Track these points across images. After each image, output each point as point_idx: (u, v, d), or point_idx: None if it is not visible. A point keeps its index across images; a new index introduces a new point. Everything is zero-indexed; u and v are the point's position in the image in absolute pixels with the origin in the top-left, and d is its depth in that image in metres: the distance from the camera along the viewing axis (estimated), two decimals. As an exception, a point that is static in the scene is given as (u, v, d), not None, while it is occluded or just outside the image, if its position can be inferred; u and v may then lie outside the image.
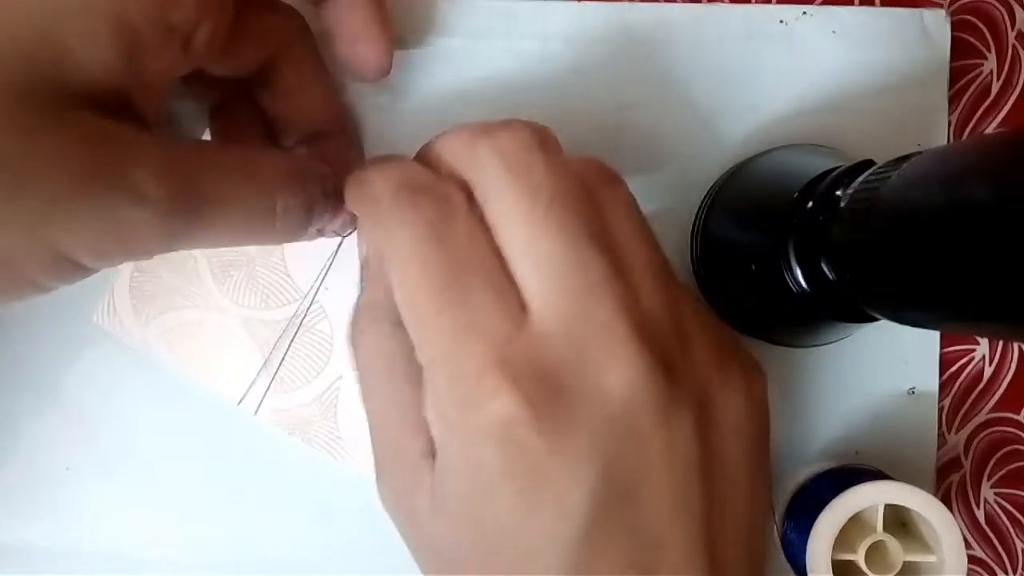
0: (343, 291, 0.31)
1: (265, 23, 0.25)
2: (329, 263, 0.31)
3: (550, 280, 0.21)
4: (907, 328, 0.22)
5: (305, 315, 0.31)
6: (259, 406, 0.31)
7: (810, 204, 0.24)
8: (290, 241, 0.26)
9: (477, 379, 0.21)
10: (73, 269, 0.21)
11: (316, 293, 0.31)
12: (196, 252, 0.31)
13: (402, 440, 0.23)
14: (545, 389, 0.21)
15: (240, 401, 0.31)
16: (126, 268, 0.31)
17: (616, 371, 0.21)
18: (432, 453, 0.23)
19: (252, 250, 0.31)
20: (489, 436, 0.21)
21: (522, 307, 0.21)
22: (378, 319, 0.25)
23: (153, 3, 0.21)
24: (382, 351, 0.24)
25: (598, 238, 0.22)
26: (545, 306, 0.21)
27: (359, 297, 0.26)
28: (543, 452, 0.20)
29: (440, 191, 0.23)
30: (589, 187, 0.23)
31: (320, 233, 0.28)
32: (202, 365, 0.31)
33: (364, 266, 0.26)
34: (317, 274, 0.31)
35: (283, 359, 0.31)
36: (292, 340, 0.31)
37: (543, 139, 0.23)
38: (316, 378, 0.31)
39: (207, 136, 0.29)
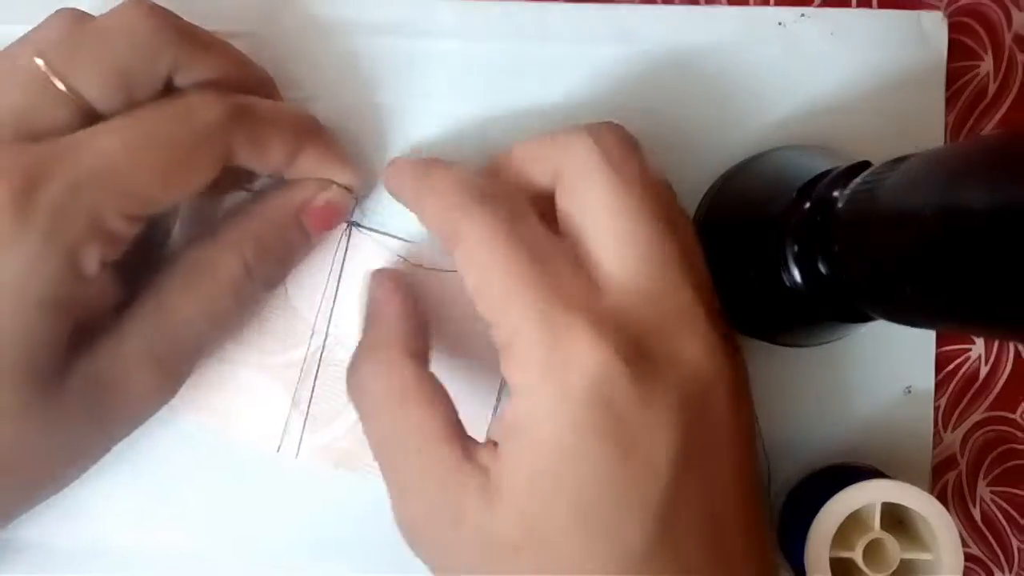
0: (353, 314, 0.31)
1: None
2: (335, 290, 0.30)
3: (638, 258, 0.23)
4: (903, 327, 0.22)
5: (323, 349, 0.30)
6: (298, 448, 0.31)
7: (807, 205, 0.24)
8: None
9: (573, 338, 0.22)
10: None
11: (328, 326, 0.30)
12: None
13: (438, 452, 0.24)
14: (634, 348, 0.22)
15: (279, 448, 0.31)
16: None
17: (694, 345, 0.23)
18: (471, 457, 0.24)
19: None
20: (585, 392, 0.22)
21: (597, 281, 0.23)
22: (387, 355, 0.26)
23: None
24: (399, 379, 0.26)
25: (672, 227, 0.24)
26: (631, 280, 0.23)
27: (363, 338, 0.28)
28: (635, 406, 0.22)
29: (506, 192, 0.25)
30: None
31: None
32: (232, 418, 0.31)
33: (368, 305, 0.28)
34: (324, 303, 0.31)
35: (311, 396, 0.31)
36: (316, 376, 0.30)
37: (635, 142, 0.26)
38: (346, 408, 0.30)
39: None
